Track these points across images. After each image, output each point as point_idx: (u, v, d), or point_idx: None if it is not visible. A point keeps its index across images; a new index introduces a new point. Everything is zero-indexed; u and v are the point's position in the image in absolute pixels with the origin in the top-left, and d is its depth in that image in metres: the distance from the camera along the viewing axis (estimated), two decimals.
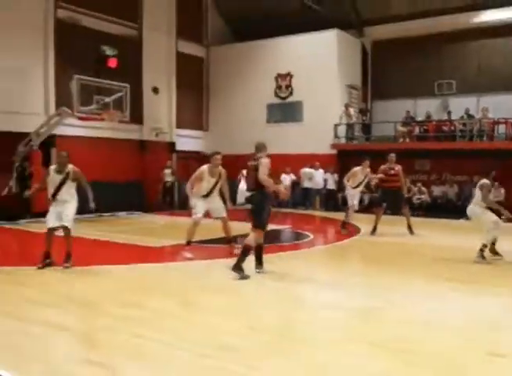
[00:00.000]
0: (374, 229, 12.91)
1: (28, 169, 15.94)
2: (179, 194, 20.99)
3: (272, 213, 8.34)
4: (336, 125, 21.21)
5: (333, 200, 20.40)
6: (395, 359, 4.62)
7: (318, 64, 21.40)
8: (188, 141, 23.23)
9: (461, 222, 13.84)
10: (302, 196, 20.97)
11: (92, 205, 9.06)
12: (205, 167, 9.80)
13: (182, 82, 22.95)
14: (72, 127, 17.54)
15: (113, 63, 19.11)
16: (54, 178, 8.78)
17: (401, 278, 8.18)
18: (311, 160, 20.76)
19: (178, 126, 22.84)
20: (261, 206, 8.05)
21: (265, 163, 7.95)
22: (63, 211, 8.70)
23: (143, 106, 21.23)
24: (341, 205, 13.68)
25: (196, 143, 23.88)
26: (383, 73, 22.72)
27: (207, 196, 9.76)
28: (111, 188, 17.73)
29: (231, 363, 4.45)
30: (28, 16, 17.20)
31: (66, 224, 8.67)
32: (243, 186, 15.46)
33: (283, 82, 22.79)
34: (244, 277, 7.79)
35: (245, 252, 7.99)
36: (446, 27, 20.66)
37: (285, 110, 22.68)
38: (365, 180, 13.39)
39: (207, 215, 9.94)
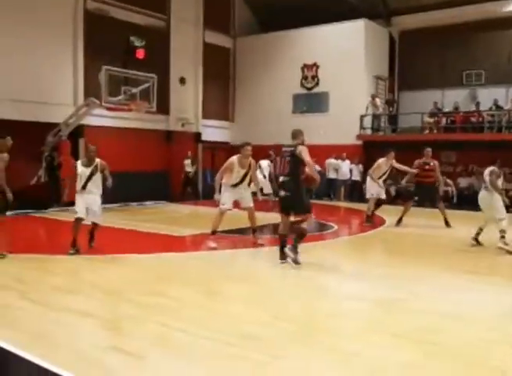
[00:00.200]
0: (400, 221, 12.86)
1: (57, 159, 16.18)
2: (204, 184, 21.15)
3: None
4: (362, 116, 21.09)
5: (358, 191, 20.31)
6: (418, 350, 4.63)
7: (344, 54, 21.23)
8: (214, 131, 23.29)
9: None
10: (327, 186, 20.90)
11: (109, 181, 9.32)
12: (235, 158, 9.78)
13: (209, 73, 22.99)
14: (100, 117, 17.72)
15: (140, 53, 19.22)
16: (83, 171, 9.16)
17: (425, 269, 8.14)
18: (336, 151, 20.69)
19: (204, 117, 22.90)
20: (300, 192, 8.03)
21: (304, 148, 7.96)
22: (92, 205, 9.14)
23: (170, 96, 21.32)
24: (366, 196, 13.60)
25: (222, 134, 23.94)
26: (410, 63, 22.45)
27: (235, 186, 9.80)
28: (138, 178, 17.95)
29: (255, 352, 4.49)
30: (58, 9, 17.37)
31: (97, 221, 9.28)
32: (261, 177, 15.54)
33: (309, 73, 22.68)
34: (297, 261, 7.84)
35: (301, 236, 8.00)
36: (474, 17, 20.30)
37: (311, 101, 22.58)
38: (388, 172, 13.27)
39: (233, 205, 10.00)
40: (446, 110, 20.95)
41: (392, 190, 18.06)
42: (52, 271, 7.72)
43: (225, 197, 9.75)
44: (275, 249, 8.43)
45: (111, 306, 5.99)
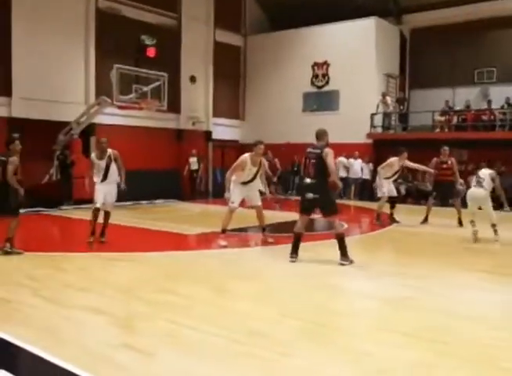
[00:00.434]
0: (425, 219, 12.98)
1: (69, 157, 16.27)
2: (213, 183, 21.18)
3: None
4: (372, 115, 21.04)
5: (368, 189, 20.26)
6: (428, 349, 4.62)
7: (355, 53, 21.21)
8: (224, 130, 23.35)
9: (500, 213, 13.60)
10: None
11: (123, 185, 9.80)
12: (247, 156, 9.74)
13: (219, 71, 23.05)
14: (111, 116, 17.82)
15: (151, 52, 19.32)
16: (99, 164, 9.50)
17: (435, 268, 8.12)
18: (346, 149, 20.63)
19: (215, 115, 22.97)
20: (329, 194, 8.08)
21: (330, 152, 7.93)
22: (108, 196, 9.56)
23: (181, 95, 21.42)
24: (377, 195, 13.57)
25: (233, 132, 23.99)
26: (421, 61, 22.37)
27: (246, 184, 9.80)
28: (149, 176, 18.02)
29: (263, 350, 4.51)
30: (70, 7, 17.50)
31: (109, 209, 9.76)
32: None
33: (320, 71, 22.67)
34: (351, 261, 8.02)
35: (343, 240, 8.12)
36: (486, 14, 20.20)
37: (321, 99, 22.55)
38: (400, 172, 13.24)
39: (242, 203, 10.01)
40: (457, 108, 20.86)
41: (402, 189, 18.00)
42: (64, 268, 7.78)
43: (235, 195, 9.76)
44: (285, 247, 8.43)
45: (122, 304, 6.03)
